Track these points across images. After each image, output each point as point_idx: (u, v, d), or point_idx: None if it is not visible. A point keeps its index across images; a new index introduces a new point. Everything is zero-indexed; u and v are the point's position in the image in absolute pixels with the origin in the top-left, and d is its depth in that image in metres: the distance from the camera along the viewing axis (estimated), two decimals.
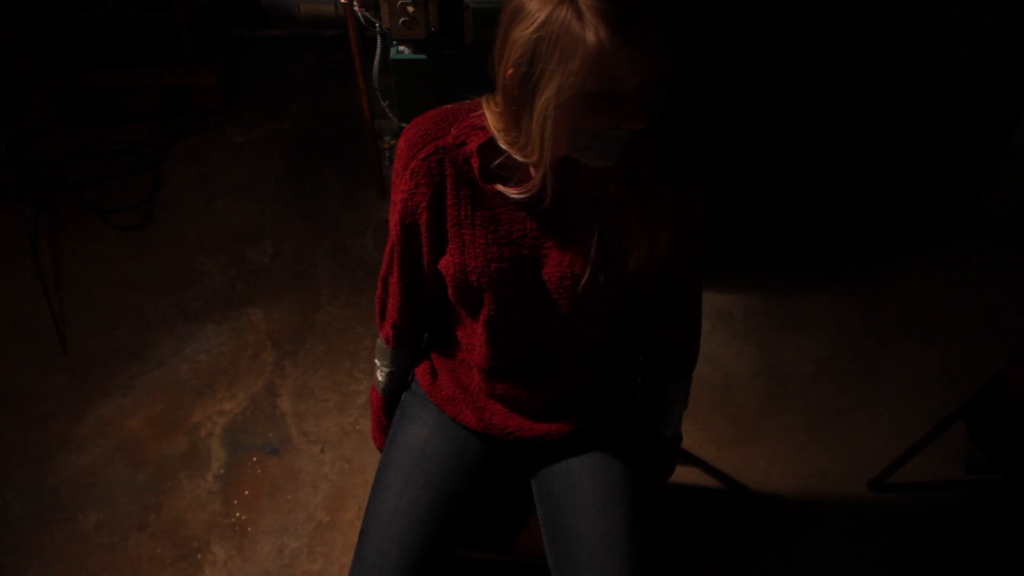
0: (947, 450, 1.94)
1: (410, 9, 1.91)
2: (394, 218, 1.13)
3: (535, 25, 0.88)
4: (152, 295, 2.32)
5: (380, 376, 1.34)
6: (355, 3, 2.06)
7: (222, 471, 1.92)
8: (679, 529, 1.83)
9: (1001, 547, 1.84)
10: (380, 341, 1.31)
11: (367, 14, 2.07)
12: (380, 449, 1.41)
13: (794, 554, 1.81)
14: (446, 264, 1.12)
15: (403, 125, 2.23)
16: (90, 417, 2.02)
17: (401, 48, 2.04)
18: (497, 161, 1.04)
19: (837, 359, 2.22)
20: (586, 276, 1.07)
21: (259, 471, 1.93)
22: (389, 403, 1.37)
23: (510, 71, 0.93)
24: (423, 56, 2.03)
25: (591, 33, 0.85)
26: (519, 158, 1.01)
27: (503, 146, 1.02)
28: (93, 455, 1.94)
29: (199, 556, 1.77)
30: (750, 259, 2.50)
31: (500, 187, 1.04)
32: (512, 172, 1.05)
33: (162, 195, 2.64)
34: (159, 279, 2.37)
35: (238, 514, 1.85)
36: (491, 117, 1.03)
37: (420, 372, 1.33)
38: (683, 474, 1.94)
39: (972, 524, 1.88)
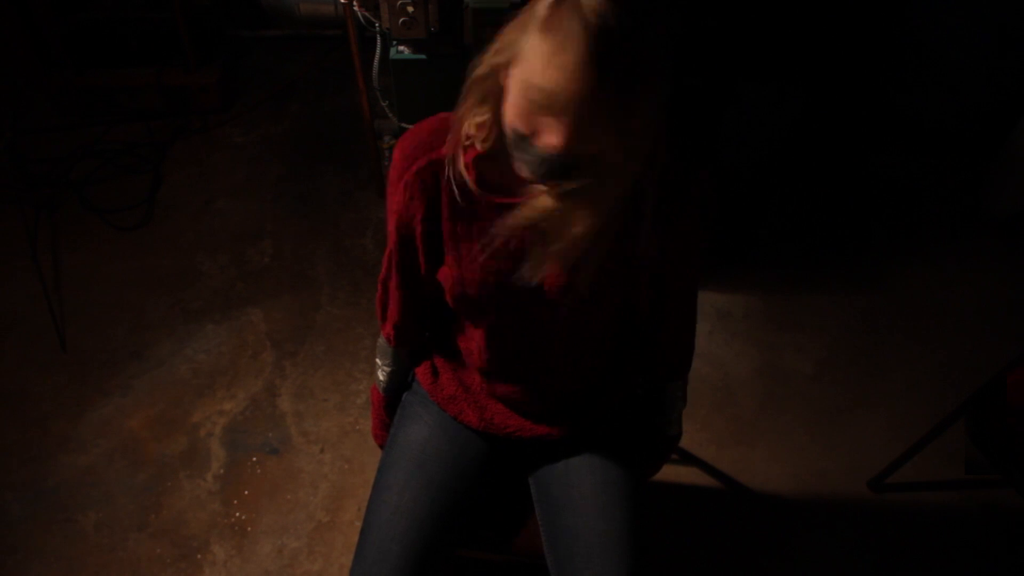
0: (947, 450, 1.94)
1: (410, 9, 1.91)
2: (391, 226, 1.13)
3: None
4: (152, 295, 2.32)
5: (381, 376, 1.34)
6: (355, 3, 2.06)
7: (222, 471, 1.92)
8: (679, 529, 1.83)
9: (1001, 547, 1.84)
10: (381, 340, 1.30)
11: (367, 14, 2.07)
12: (381, 446, 1.41)
13: (794, 554, 1.81)
14: (445, 276, 1.11)
15: (403, 125, 2.24)
16: (90, 417, 2.02)
17: (401, 48, 2.05)
18: (493, 173, 1.03)
19: (837, 359, 2.22)
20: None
21: (259, 471, 1.93)
22: (390, 402, 1.37)
23: None
24: (423, 56, 2.03)
25: None
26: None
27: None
28: (93, 455, 1.94)
29: (199, 556, 1.77)
30: (750, 259, 2.50)
31: (493, 198, 1.03)
32: (507, 184, 1.04)
33: (162, 195, 2.64)
34: (159, 279, 2.36)
35: (238, 514, 1.85)
36: None
37: (421, 372, 1.33)
38: (683, 474, 1.94)
39: (972, 524, 1.88)
